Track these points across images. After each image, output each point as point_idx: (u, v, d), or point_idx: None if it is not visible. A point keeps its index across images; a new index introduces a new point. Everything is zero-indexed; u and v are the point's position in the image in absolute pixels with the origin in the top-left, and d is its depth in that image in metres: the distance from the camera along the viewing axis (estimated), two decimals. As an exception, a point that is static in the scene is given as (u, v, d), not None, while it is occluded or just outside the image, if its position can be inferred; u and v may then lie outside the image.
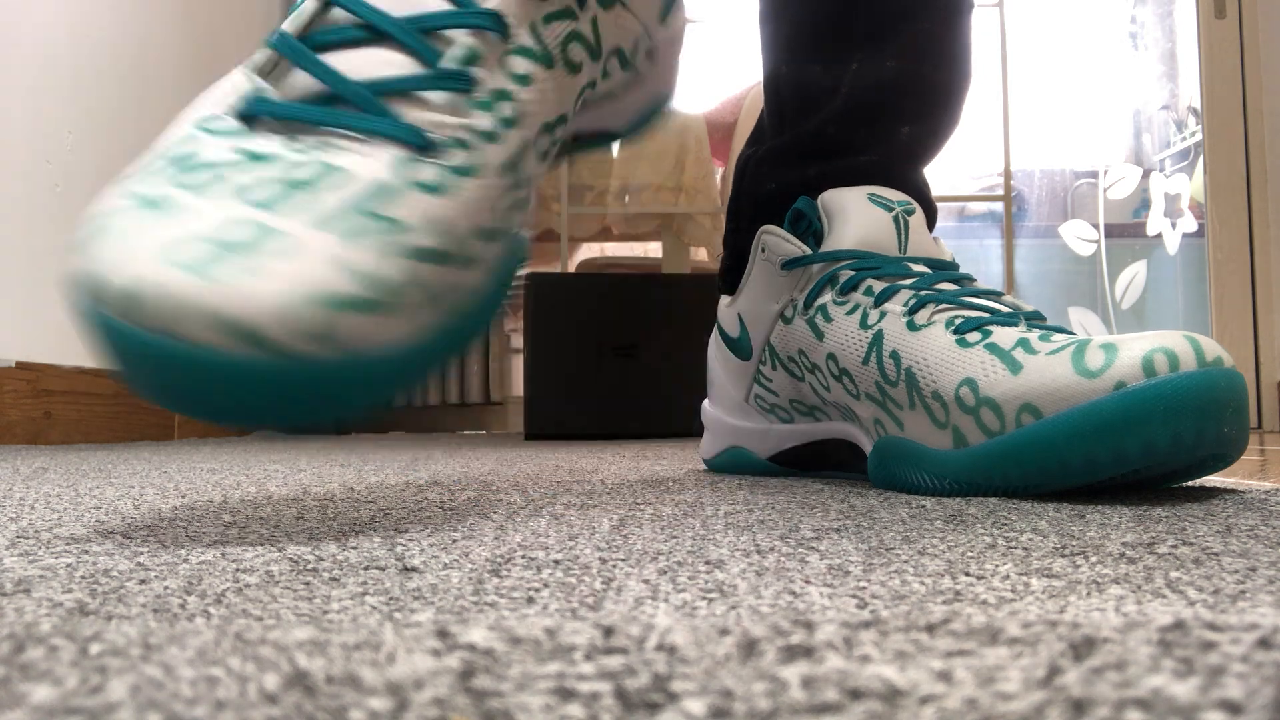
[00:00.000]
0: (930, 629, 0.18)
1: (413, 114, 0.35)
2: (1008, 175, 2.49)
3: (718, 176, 2.36)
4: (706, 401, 0.68)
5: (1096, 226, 2.72)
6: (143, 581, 0.25)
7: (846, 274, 0.54)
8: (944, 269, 0.54)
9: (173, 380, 0.31)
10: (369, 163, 0.34)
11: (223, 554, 0.30)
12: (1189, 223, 2.62)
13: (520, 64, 0.39)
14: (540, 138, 0.40)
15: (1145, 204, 2.72)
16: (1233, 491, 0.45)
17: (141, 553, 0.30)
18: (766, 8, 0.66)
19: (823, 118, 0.61)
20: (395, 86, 0.36)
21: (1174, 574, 0.25)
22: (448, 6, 0.37)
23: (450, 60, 0.37)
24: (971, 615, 0.20)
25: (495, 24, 0.38)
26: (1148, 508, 0.39)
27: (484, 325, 0.39)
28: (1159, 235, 2.67)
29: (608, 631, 0.18)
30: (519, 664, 0.16)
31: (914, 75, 0.61)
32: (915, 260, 0.54)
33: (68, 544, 0.32)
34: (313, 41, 0.36)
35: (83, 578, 0.26)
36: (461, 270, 0.35)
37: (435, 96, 0.36)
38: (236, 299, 0.29)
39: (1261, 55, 2.33)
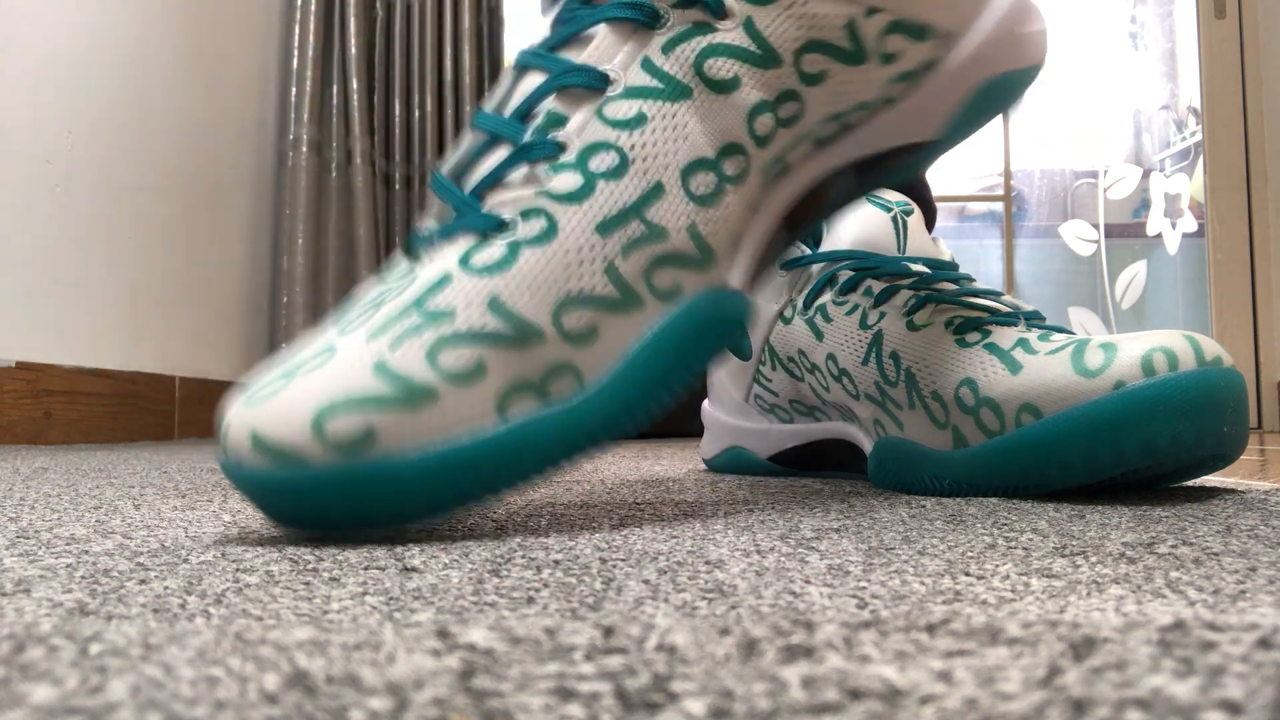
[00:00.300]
0: (930, 629, 0.18)
1: (492, 199, 0.35)
2: (1008, 175, 2.49)
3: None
4: (706, 401, 0.68)
5: (1096, 226, 2.72)
6: (143, 581, 0.25)
7: (846, 274, 0.54)
8: (943, 269, 0.54)
9: (264, 504, 0.32)
10: (439, 262, 0.34)
11: (223, 554, 0.30)
12: (1189, 223, 2.62)
13: (624, 107, 0.36)
14: (697, 175, 0.36)
15: (1145, 204, 2.72)
16: (1233, 491, 0.45)
17: (141, 553, 0.30)
18: None
19: None
20: (487, 180, 0.35)
21: (1174, 574, 0.25)
22: (542, 79, 0.37)
23: (532, 133, 0.36)
24: (971, 615, 0.20)
25: (589, 79, 0.36)
26: (1148, 508, 0.39)
27: (605, 424, 0.34)
28: (1159, 235, 2.67)
29: (608, 631, 0.18)
30: (519, 664, 0.16)
31: None
32: (914, 260, 0.54)
33: (68, 544, 0.32)
34: (457, 169, 0.37)
35: (83, 578, 0.26)
36: (528, 348, 0.33)
37: (515, 174, 0.35)
38: (270, 418, 0.30)
39: (1261, 55, 2.33)
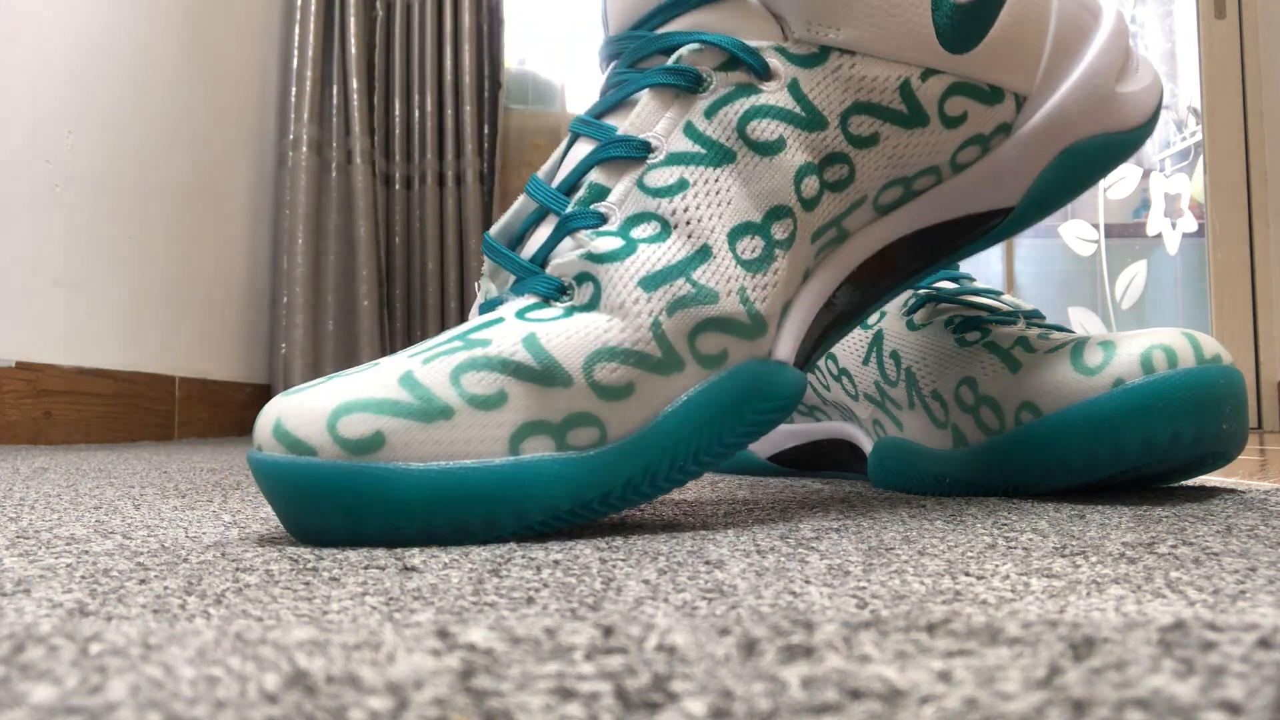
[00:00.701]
0: (930, 629, 0.18)
1: (551, 268, 0.36)
2: (1007, 175, 2.48)
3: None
4: (706, 401, 0.68)
5: (1096, 226, 2.72)
6: (143, 581, 0.25)
7: (846, 274, 0.54)
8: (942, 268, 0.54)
9: (271, 495, 0.33)
10: (499, 311, 0.35)
11: (223, 554, 0.30)
12: (1189, 223, 2.61)
13: (665, 175, 0.35)
14: (744, 239, 0.35)
15: (1145, 204, 2.71)
16: (1233, 491, 0.45)
17: (141, 553, 0.30)
18: None
19: None
20: (542, 252, 0.36)
21: (1174, 574, 0.25)
22: (590, 148, 0.37)
23: (574, 204, 0.36)
24: (971, 615, 0.20)
25: (629, 150, 0.36)
26: (1148, 508, 0.39)
27: (619, 485, 0.33)
28: (1159, 235, 2.67)
29: (608, 631, 0.18)
30: (519, 664, 0.16)
31: None
32: (915, 260, 0.54)
33: (68, 544, 0.32)
34: (508, 234, 0.38)
35: (83, 578, 0.26)
36: (561, 390, 0.33)
37: (564, 244, 0.36)
38: (295, 410, 0.32)
39: (1261, 55, 2.33)
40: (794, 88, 0.36)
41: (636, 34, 0.38)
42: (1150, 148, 2.74)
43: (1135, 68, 0.41)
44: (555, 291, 0.35)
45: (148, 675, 0.16)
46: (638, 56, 0.37)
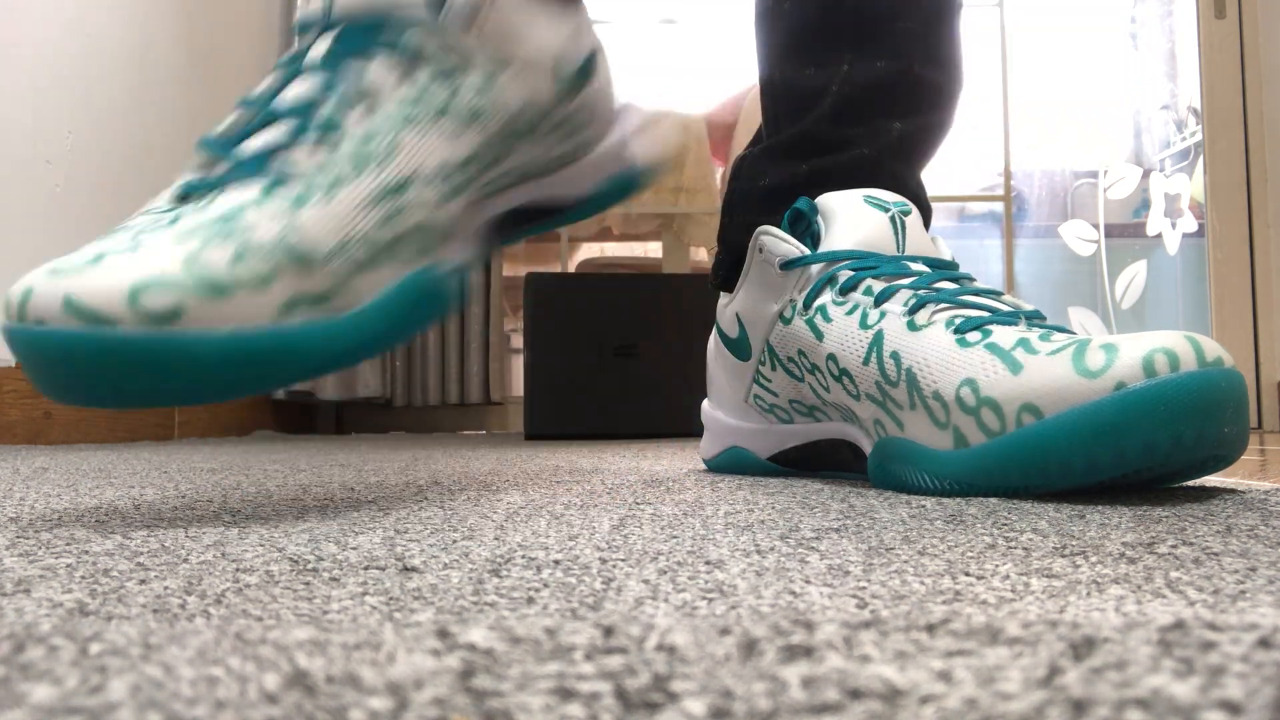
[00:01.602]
0: (930, 629, 0.18)
1: (277, 161, 0.43)
2: (1008, 175, 2.49)
3: (717, 176, 2.36)
4: (706, 402, 0.68)
5: (1096, 226, 2.72)
6: (143, 581, 0.25)
7: (846, 274, 0.54)
8: (943, 268, 0.54)
9: (48, 365, 0.37)
10: (237, 193, 0.41)
11: (223, 554, 0.30)
12: (1189, 223, 2.61)
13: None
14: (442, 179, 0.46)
15: (1145, 204, 2.71)
16: (1233, 491, 0.45)
17: (141, 553, 0.30)
18: (760, 14, 0.67)
19: (814, 117, 0.62)
20: (268, 149, 0.43)
21: (1174, 574, 0.25)
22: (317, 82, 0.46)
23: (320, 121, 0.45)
24: (971, 615, 0.20)
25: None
26: (1148, 508, 0.39)
27: (358, 344, 0.43)
28: (1159, 235, 2.66)
29: (608, 631, 0.18)
30: (519, 664, 0.16)
31: (904, 73, 0.62)
32: (914, 260, 0.54)
33: (68, 544, 0.32)
34: (231, 139, 0.44)
35: (83, 578, 0.26)
36: (311, 272, 0.41)
37: (296, 150, 0.43)
38: (85, 287, 0.36)
39: (1261, 55, 2.33)
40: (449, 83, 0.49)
41: None
42: (1150, 148, 2.74)
43: (645, 122, 0.57)
44: (281, 179, 0.42)
45: (148, 675, 0.16)
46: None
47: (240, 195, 0.41)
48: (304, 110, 0.44)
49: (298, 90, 0.45)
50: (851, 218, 0.55)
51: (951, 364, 0.47)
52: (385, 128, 0.45)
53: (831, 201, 0.57)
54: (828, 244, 0.55)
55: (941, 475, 0.47)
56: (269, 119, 0.44)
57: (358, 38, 0.47)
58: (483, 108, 0.48)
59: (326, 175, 0.43)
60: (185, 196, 0.42)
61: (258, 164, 0.43)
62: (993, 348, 0.46)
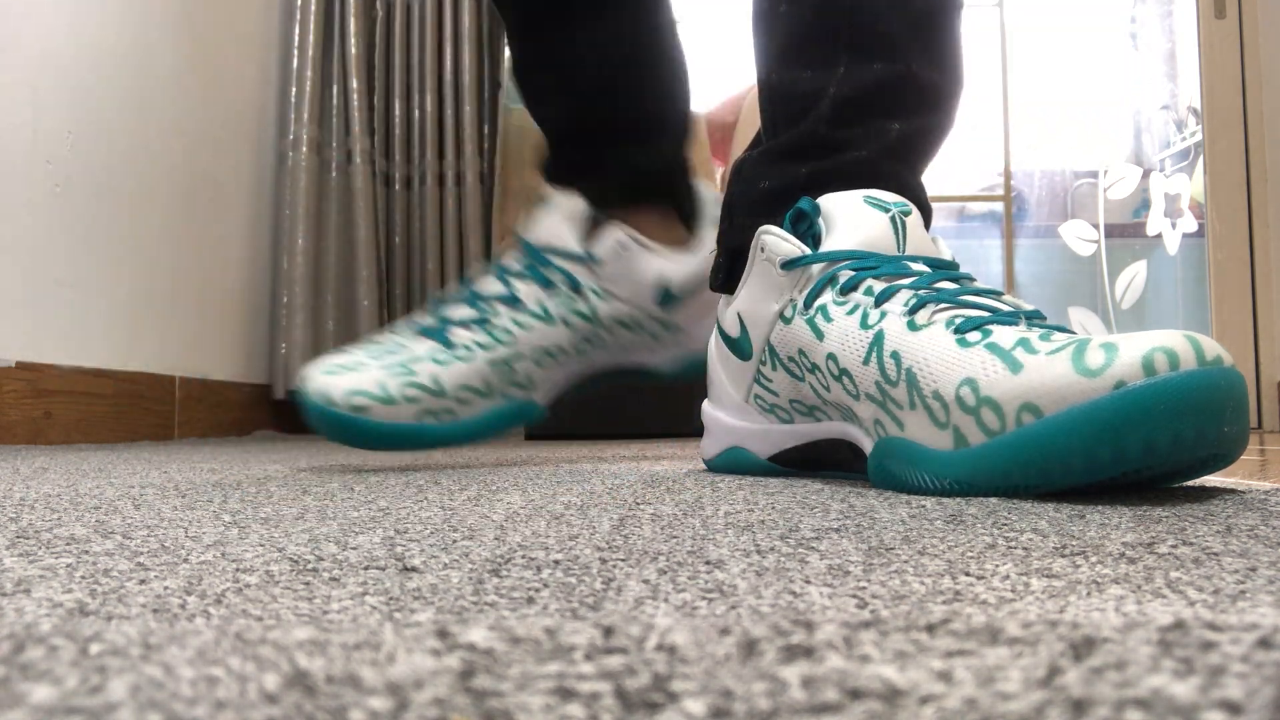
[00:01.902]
0: (930, 629, 0.18)
1: (448, 332, 0.75)
2: (1008, 175, 2.49)
3: (718, 176, 2.36)
4: (706, 402, 0.68)
5: (1096, 226, 2.72)
6: (143, 581, 0.25)
7: (846, 274, 0.54)
8: (943, 268, 0.54)
9: (325, 424, 0.72)
10: (421, 346, 0.74)
11: (223, 554, 0.30)
12: (1189, 223, 2.61)
13: (510, 316, 0.76)
14: (534, 357, 0.76)
15: (1145, 204, 2.72)
16: (1233, 491, 0.45)
17: (141, 553, 0.30)
18: (756, 18, 0.67)
19: (812, 119, 0.62)
20: (449, 322, 0.76)
21: (1174, 574, 0.25)
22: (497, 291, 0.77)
23: (471, 304, 0.78)
24: (971, 615, 0.20)
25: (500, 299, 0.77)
26: (1148, 508, 0.39)
27: (456, 439, 0.74)
28: (1159, 235, 2.67)
29: (608, 631, 0.18)
30: (519, 664, 0.16)
31: (901, 74, 0.62)
32: (914, 260, 0.54)
33: (68, 544, 0.32)
34: (445, 303, 0.79)
35: (83, 578, 0.26)
36: (441, 400, 0.73)
37: (463, 328, 0.76)
38: (329, 386, 0.71)
39: (1261, 55, 2.33)
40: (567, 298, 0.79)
41: None
42: (1150, 148, 2.74)
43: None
44: (448, 344, 0.78)
45: (148, 675, 0.16)
46: None
47: (420, 348, 0.74)
48: (483, 303, 0.76)
49: (485, 288, 0.77)
50: (852, 218, 0.55)
51: (951, 364, 0.47)
52: (513, 324, 0.75)
53: (832, 202, 0.57)
54: (828, 244, 0.55)
55: (941, 475, 0.47)
56: (470, 300, 0.76)
57: (532, 254, 0.76)
58: (590, 315, 0.76)
59: (471, 348, 0.74)
60: (421, 332, 0.76)
61: (440, 330, 0.75)
62: (993, 347, 0.46)
